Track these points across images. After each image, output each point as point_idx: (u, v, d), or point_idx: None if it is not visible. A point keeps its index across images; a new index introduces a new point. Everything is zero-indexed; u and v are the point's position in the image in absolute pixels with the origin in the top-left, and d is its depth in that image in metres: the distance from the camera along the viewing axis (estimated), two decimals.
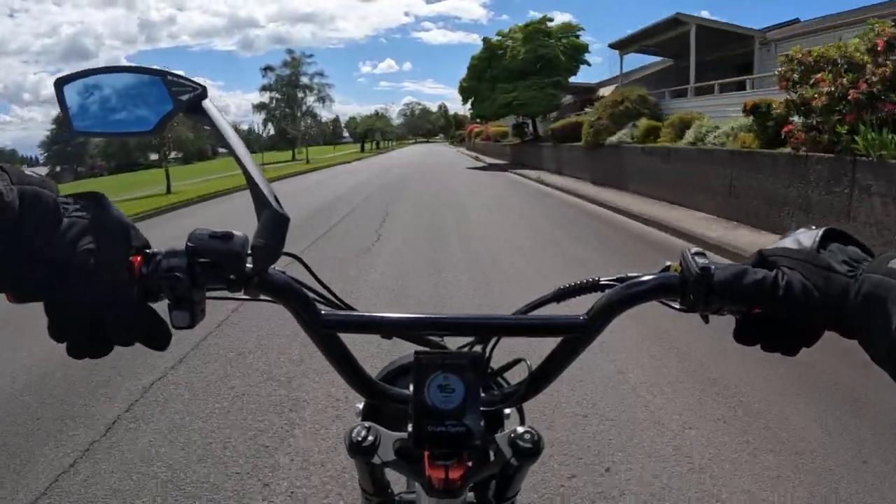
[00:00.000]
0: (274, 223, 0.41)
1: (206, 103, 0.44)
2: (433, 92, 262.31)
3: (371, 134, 69.78)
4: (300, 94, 42.98)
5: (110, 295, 0.39)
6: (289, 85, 42.51)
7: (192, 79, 0.44)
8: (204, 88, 0.44)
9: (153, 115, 0.44)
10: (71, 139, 54.38)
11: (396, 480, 0.57)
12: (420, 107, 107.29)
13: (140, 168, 47.70)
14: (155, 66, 0.47)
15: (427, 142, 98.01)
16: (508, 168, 20.73)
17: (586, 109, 20.77)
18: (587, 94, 25.13)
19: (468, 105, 23.77)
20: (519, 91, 20.52)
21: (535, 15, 22.11)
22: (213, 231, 0.42)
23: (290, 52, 44.98)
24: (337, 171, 23.68)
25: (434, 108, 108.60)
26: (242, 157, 0.43)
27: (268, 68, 43.34)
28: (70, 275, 0.39)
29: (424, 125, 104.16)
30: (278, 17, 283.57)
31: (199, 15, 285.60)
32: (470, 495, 0.53)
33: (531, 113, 21.40)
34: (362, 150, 61.66)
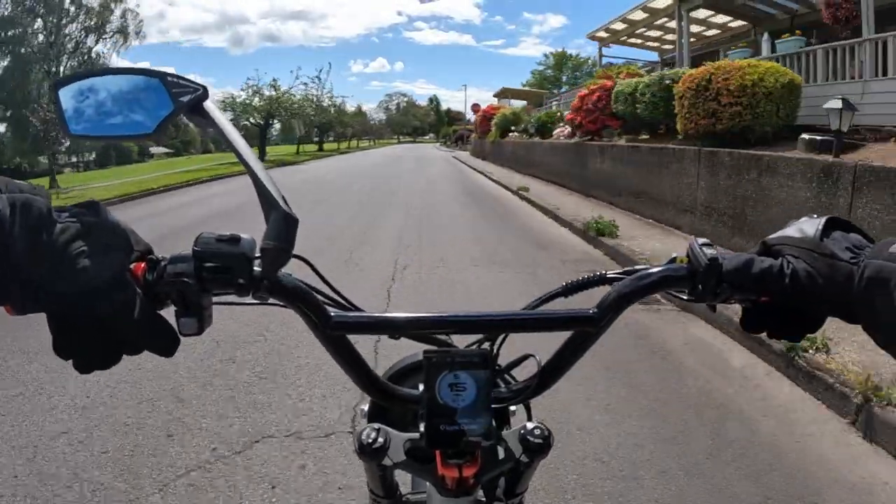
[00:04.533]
0: (283, 225, 0.40)
1: (208, 104, 0.43)
2: (425, 92, 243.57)
3: (268, 123, 29.84)
4: (55, 20, 18.15)
5: (111, 301, 0.38)
6: None
7: (193, 80, 0.44)
8: (205, 89, 0.43)
9: (153, 117, 0.43)
10: None
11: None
12: (405, 100, 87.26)
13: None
14: (155, 68, 0.45)
15: (413, 142, 78.62)
16: None
17: None
18: None
19: None
20: None
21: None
22: (219, 234, 0.41)
23: None
24: None
25: (423, 103, 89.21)
26: (248, 158, 0.42)
27: None
28: (64, 279, 0.37)
29: (410, 122, 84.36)
30: (269, 14, 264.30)
31: (189, 11, 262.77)
32: (479, 494, 0.53)
33: None
34: (262, 156, 24.65)
